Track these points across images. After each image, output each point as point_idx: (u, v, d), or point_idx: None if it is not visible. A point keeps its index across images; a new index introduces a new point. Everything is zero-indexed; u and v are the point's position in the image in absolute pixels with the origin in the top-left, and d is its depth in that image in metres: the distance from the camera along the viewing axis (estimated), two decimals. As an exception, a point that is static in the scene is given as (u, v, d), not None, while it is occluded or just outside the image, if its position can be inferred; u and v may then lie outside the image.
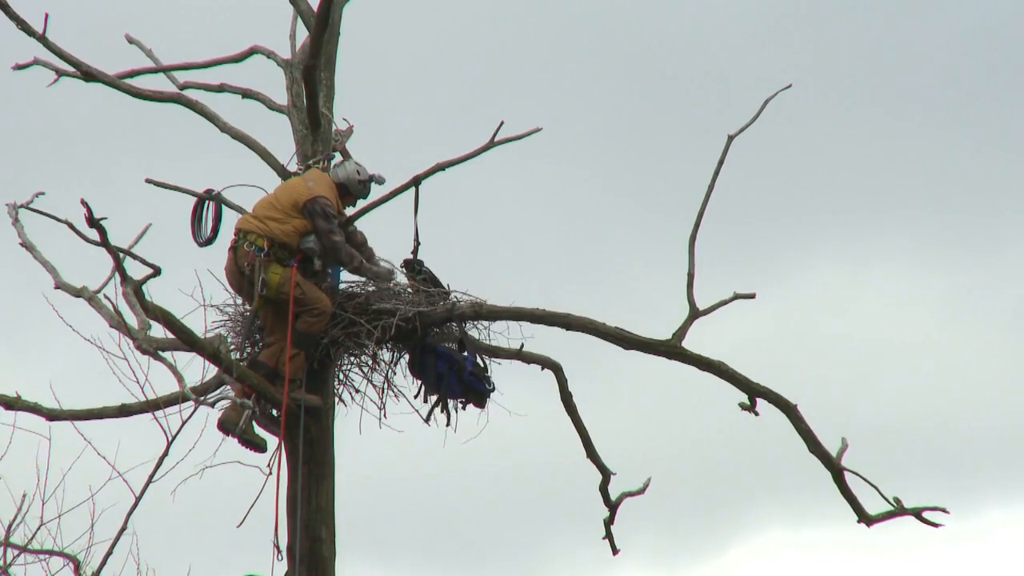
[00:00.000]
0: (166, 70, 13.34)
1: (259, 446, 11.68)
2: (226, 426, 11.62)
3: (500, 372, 12.20)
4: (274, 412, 11.74)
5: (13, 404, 11.83)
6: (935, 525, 12.12)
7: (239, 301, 12.19)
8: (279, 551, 11.36)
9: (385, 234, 12.57)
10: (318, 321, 11.71)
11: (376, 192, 12.28)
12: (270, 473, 11.52)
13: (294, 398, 11.65)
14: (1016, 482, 23.38)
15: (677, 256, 12.21)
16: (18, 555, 11.21)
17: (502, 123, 12.30)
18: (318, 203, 11.79)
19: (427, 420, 12.06)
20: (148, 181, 12.72)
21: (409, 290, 12.18)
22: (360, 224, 12.31)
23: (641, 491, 12.84)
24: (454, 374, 11.91)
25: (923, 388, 23.42)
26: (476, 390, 12.02)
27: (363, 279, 12.14)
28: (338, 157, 12.54)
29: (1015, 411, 22.89)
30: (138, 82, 13.19)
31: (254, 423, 11.71)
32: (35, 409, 11.84)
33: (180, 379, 10.61)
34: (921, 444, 22.34)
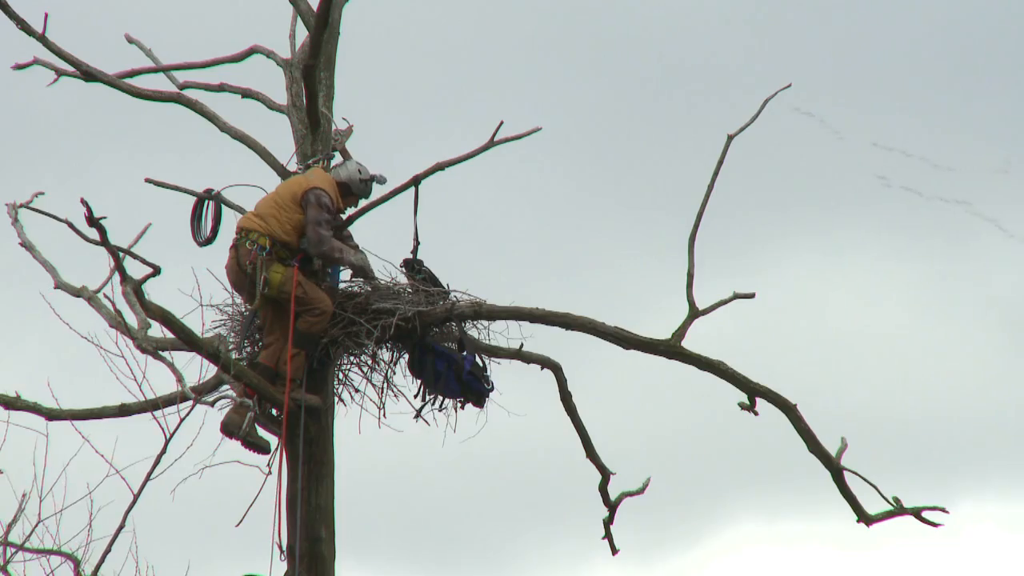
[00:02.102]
0: (166, 70, 13.35)
1: (263, 448, 11.66)
2: (229, 429, 11.60)
3: (499, 371, 12.22)
4: (274, 412, 11.74)
5: (13, 404, 11.84)
6: (934, 525, 12.10)
7: (238, 300, 12.20)
8: (282, 551, 11.37)
9: (385, 234, 12.59)
10: (319, 321, 11.71)
11: (376, 192, 12.30)
12: (270, 472, 11.53)
13: (294, 398, 11.64)
14: (988, 476, 23.35)
15: (677, 256, 12.22)
16: (15, 553, 11.20)
17: (502, 123, 12.33)
18: (313, 193, 11.80)
19: (418, 414, 12.06)
20: (148, 181, 12.73)
21: (409, 289, 12.19)
22: (360, 224, 12.34)
23: (641, 491, 12.84)
24: (452, 373, 11.91)
25: (894, 381, 23.37)
26: (474, 389, 12.01)
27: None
28: (338, 157, 12.55)
29: (987, 404, 22.86)
30: (138, 82, 13.20)
31: (255, 424, 11.72)
32: (35, 409, 11.84)
33: (180, 378, 10.61)
34: (892, 437, 22.28)
